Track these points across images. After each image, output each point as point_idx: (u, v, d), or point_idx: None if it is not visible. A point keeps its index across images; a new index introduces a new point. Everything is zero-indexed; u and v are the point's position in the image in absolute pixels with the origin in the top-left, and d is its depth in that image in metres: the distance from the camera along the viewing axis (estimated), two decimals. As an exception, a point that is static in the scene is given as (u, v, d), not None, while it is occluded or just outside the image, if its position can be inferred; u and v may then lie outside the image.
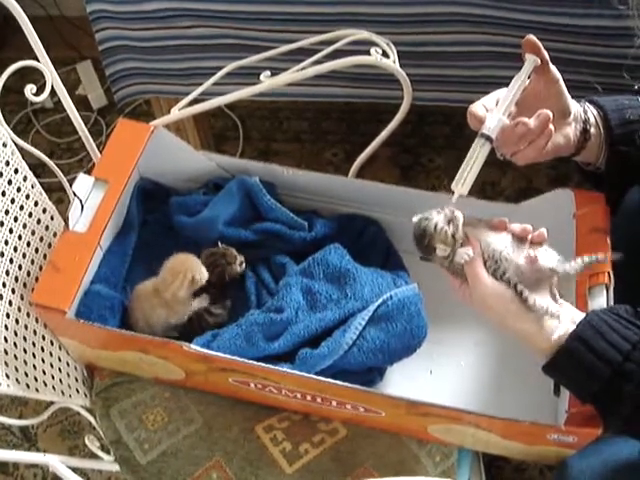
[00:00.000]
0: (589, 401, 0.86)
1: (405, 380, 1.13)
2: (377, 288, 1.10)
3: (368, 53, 1.15)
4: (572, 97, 1.10)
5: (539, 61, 0.91)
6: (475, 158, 0.90)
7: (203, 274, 1.11)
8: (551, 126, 0.90)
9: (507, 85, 0.94)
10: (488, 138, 0.90)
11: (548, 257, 0.89)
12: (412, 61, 1.35)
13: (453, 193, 0.92)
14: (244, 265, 1.16)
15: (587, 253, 1.03)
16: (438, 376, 1.15)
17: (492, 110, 0.91)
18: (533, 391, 1.08)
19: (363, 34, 1.18)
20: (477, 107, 0.91)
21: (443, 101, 1.51)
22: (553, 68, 0.93)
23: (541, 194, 1.14)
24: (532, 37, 0.90)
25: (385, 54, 1.15)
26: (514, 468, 1.54)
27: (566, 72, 1.36)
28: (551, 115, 0.89)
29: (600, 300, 0.98)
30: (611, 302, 0.98)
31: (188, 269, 1.09)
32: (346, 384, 0.97)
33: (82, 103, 2.15)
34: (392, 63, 1.15)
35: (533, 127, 0.89)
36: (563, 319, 0.86)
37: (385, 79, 1.38)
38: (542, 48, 0.91)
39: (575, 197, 1.08)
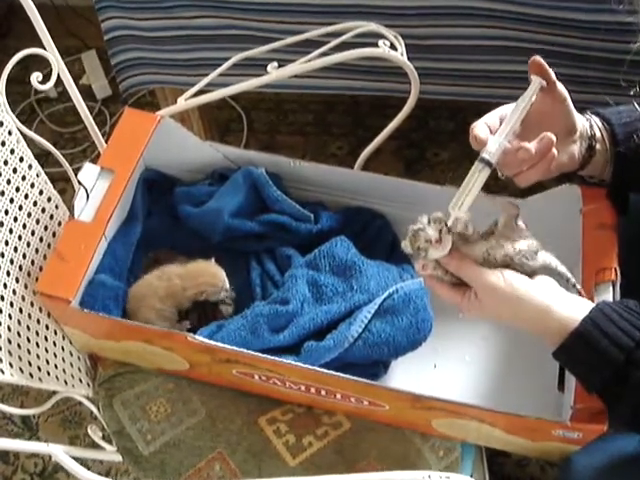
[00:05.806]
0: (597, 388, 0.85)
1: (409, 374, 1.12)
2: (383, 281, 1.10)
3: (376, 46, 1.14)
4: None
5: (545, 83, 0.89)
6: (473, 182, 0.87)
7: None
8: (554, 150, 0.87)
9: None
10: (488, 163, 0.87)
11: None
12: (419, 54, 1.34)
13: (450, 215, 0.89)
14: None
15: (593, 249, 1.04)
16: (442, 370, 1.15)
17: (495, 131, 0.88)
18: (537, 387, 1.08)
19: (371, 26, 1.17)
20: (479, 128, 0.88)
21: (450, 95, 1.50)
22: (560, 87, 0.91)
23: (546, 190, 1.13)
24: (538, 58, 0.88)
25: (393, 46, 1.15)
26: (515, 464, 1.54)
27: (574, 67, 1.36)
28: (554, 139, 0.87)
29: (606, 297, 0.97)
30: (617, 299, 0.97)
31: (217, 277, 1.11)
32: (351, 377, 0.97)
33: (86, 93, 2.14)
34: (400, 55, 1.14)
35: (535, 152, 0.87)
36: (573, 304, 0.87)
37: (392, 72, 1.37)
38: (548, 69, 0.88)
39: (582, 193, 1.07)
